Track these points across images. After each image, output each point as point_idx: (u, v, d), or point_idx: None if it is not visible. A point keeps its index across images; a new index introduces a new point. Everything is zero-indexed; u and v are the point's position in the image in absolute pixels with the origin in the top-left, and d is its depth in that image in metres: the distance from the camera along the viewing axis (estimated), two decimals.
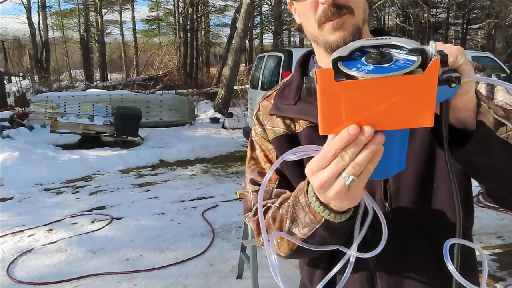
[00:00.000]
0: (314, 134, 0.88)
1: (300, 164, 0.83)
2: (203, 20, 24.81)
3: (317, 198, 0.68)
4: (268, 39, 27.44)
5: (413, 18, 18.37)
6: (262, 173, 0.96)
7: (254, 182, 0.97)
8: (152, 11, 27.76)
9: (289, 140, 0.92)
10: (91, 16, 23.17)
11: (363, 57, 0.55)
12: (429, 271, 0.84)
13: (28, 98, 12.12)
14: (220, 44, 28.24)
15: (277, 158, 0.94)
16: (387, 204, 0.84)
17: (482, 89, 0.83)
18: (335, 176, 0.58)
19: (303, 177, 0.72)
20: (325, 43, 0.85)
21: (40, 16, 18.50)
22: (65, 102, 8.70)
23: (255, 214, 0.93)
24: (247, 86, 10.07)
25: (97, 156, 7.24)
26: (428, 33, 21.54)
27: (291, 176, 0.91)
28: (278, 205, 0.86)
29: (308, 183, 0.70)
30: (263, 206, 0.88)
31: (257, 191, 0.94)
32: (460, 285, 0.63)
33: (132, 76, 21.08)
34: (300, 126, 0.92)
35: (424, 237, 0.84)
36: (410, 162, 0.79)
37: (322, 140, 0.69)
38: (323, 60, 0.91)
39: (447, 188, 0.82)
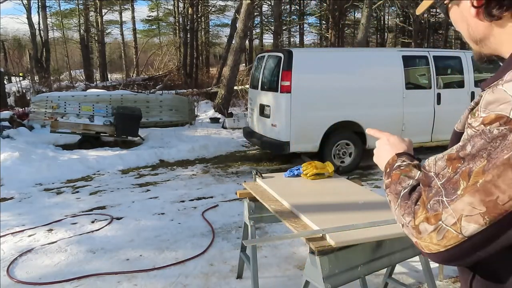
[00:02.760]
0: None
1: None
2: (203, 20, 24.78)
3: None
4: (268, 39, 27.44)
5: (413, 18, 18.38)
6: None
7: None
8: (152, 11, 27.78)
9: None
10: (91, 16, 23.13)
11: None
12: None
13: (28, 98, 12.10)
14: (220, 44, 28.23)
15: None
16: None
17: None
18: None
19: None
20: None
21: (40, 16, 18.47)
22: (65, 102, 8.70)
23: None
24: (247, 86, 10.06)
25: (97, 156, 7.23)
26: (428, 33, 21.53)
27: None
28: None
29: None
30: None
31: None
32: None
33: (132, 76, 21.04)
34: None
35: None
36: None
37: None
38: None
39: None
